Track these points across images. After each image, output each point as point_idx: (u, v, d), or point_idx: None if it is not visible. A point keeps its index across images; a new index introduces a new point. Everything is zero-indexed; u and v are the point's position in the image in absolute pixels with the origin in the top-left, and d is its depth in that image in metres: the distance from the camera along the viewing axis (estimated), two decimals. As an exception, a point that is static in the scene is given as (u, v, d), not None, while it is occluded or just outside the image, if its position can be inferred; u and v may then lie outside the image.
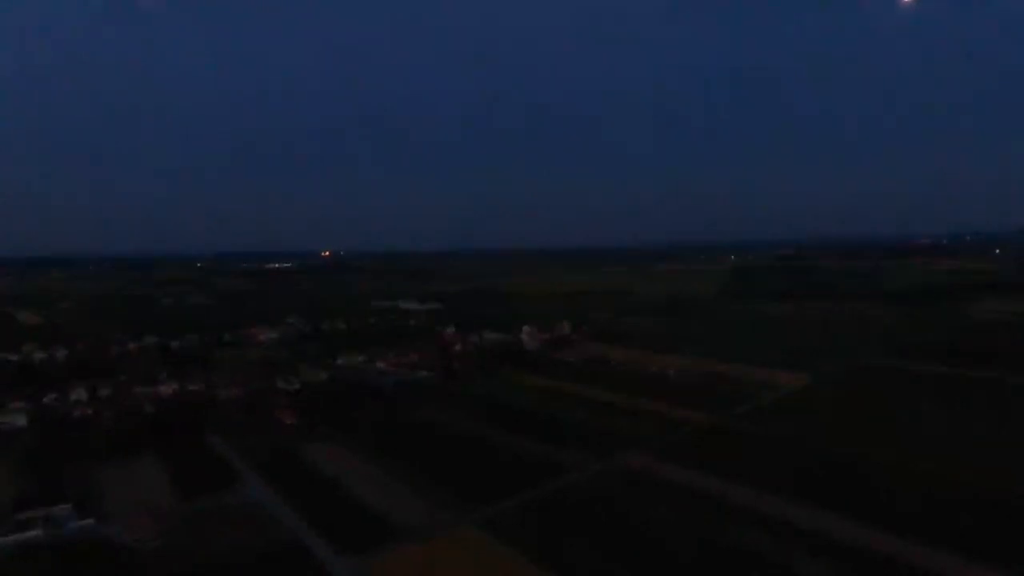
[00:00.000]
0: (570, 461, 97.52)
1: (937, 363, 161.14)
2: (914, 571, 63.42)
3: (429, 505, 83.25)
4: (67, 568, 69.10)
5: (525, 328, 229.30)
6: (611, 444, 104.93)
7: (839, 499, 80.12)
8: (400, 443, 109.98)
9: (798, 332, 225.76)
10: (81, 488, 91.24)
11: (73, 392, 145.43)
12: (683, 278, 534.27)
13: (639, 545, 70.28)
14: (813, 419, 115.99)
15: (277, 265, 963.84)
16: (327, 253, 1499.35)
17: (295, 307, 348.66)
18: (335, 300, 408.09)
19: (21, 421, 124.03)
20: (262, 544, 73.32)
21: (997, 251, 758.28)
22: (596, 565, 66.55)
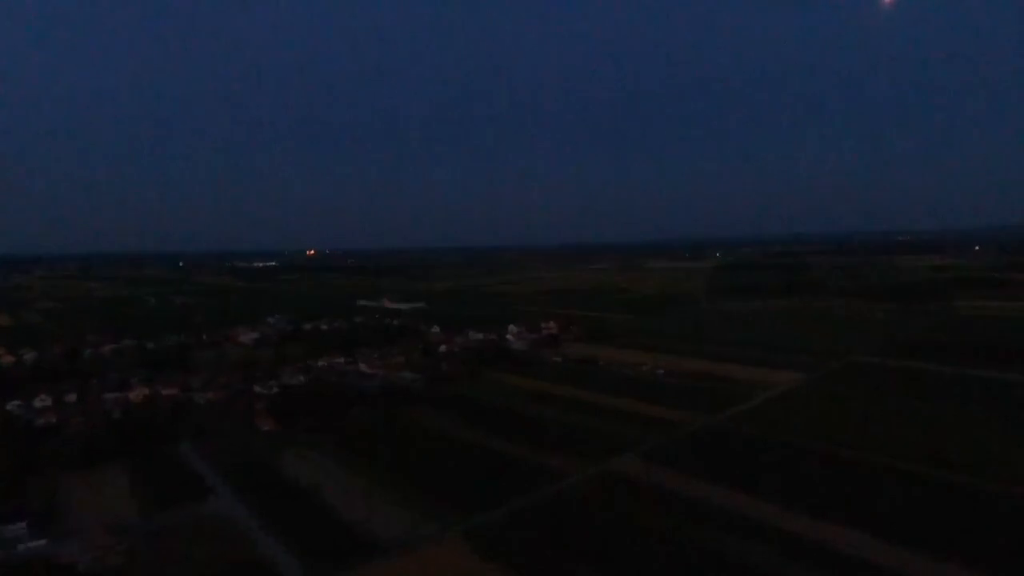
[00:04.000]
0: (559, 467, 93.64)
1: (929, 361, 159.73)
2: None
3: (412, 516, 78.82)
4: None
5: (512, 327, 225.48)
6: (602, 448, 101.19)
7: (840, 507, 77.08)
8: (383, 449, 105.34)
9: (788, 329, 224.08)
10: (41, 503, 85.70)
11: (39, 398, 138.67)
12: (671, 275, 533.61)
13: (632, 560, 66.52)
14: (809, 420, 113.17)
15: (262, 264, 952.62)
16: (312, 252, 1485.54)
17: (278, 307, 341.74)
18: (319, 299, 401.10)
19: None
20: (228, 562, 68.43)
21: (977, 247, 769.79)
22: (587, 581, 62.74)
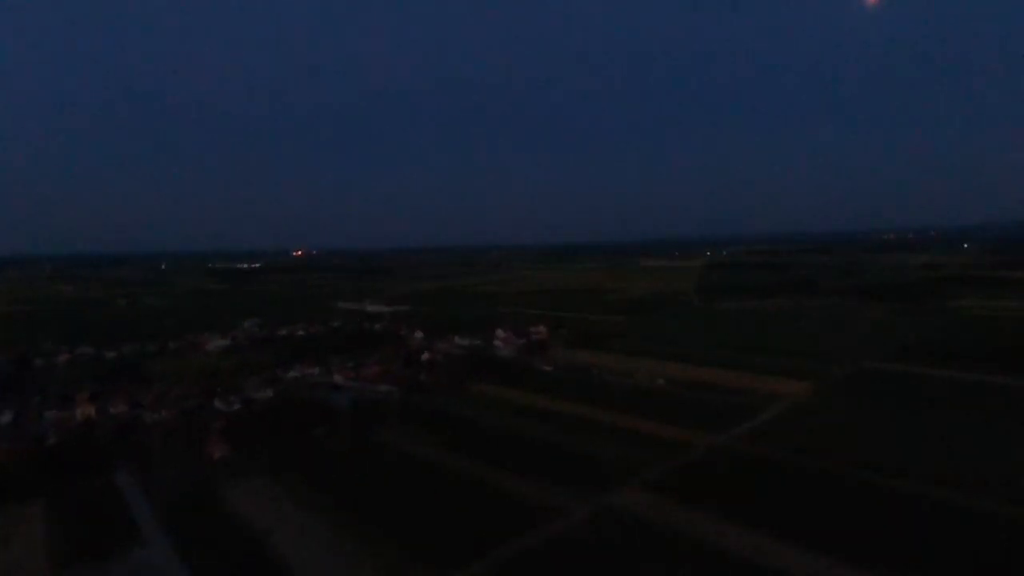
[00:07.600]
0: (551, 502, 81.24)
1: (945, 367, 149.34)
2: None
3: (376, 571, 66.17)
4: None
5: (499, 332, 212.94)
6: (600, 477, 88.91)
7: (883, 550, 65.55)
8: (350, 481, 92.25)
9: (788, 332, 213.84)
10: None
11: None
12: (661, 275, 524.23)
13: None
14: (829, 440, 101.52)
15: (246, 264, 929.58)
16: (299, 252, 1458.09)
17: (256, 309, 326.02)
18: (300, 301, 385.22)
19: None
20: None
21: (966, 245, 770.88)
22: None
